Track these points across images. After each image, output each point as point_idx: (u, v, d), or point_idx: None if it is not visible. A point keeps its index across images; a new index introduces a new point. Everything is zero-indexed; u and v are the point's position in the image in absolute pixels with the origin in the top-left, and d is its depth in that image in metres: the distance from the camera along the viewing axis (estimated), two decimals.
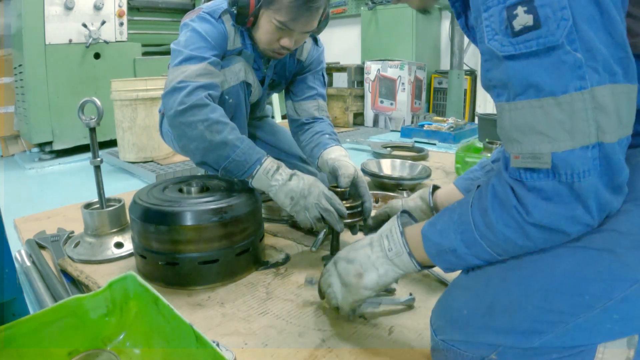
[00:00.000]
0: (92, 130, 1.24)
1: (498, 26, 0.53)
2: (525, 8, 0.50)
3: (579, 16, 0.49)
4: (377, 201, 1.65)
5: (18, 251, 1.29)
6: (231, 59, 1.35)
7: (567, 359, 0.57)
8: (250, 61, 1.42)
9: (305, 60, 1.57)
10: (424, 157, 2.50)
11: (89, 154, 1.28)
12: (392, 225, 0.77)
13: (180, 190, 1.18)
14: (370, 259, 0.77)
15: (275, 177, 1.13)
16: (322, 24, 1.39)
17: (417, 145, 2.76)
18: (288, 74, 1.57)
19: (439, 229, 0.69)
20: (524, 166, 0.55)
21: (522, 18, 0.50)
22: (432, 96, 4.02)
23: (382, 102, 3.70)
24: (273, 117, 3.41)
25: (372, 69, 3.69)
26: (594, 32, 0.50)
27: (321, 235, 1.32)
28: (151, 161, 2.43)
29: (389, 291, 1.04)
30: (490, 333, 0.61)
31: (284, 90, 1.66)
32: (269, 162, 1.15)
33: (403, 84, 3.57)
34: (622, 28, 0.52)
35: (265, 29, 1.29)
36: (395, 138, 3.20)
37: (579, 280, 0.56)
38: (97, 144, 1.27)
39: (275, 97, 3.57)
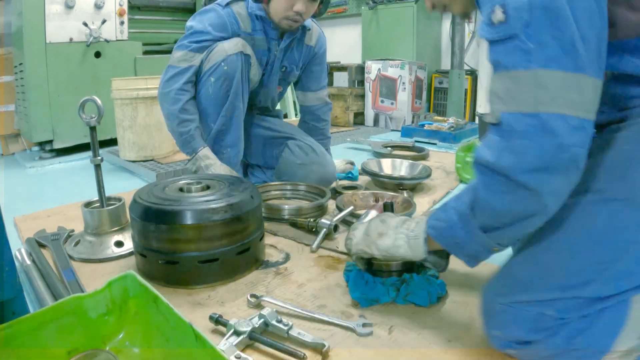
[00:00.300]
0: (93, 129, 1.24)
1: (486, 19, 0.70)
2: (502, 9, 0.66)
3: (535, 18, 0.64)
4: (377, 200, 1.64)
5: (18, 250, 1.29)
6: (232, 38, 1.59)
7: (610, 309, 0.67)
8: (260, 43, 1.65)
9: (315, 46, 1.79)
10: (424, 157, 2.50)
11: (90, 153, 1.29)
12: (424, 219, 0.88)
13: (181, 189, 1.18)
14: (397, 229, 0.89)
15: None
16: (323, 8, 1.64)
17: (417, 144, 2.75)
18: (298, 59, 1.77)
19: (442, 216, 0.83)
20: (490, 121, 0.71)
21: (498, 15, 0.67)
22: (433, 96, 4.01)
23: (382, 101, 3.70)
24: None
25: (373, 68, 3.69)
26: (547, 30, 0.64)
27: (321, 235, 1.32)
28: (151, 160, 2.43)
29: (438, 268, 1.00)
30: (549, 290, 0.70)
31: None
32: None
33: (404, 83, 3.57)
34: (573, 27, 0.63)
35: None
36: (395, 138, 3.20)
37: (612, 230, 0.68)
38: (98, 143, 1.27)
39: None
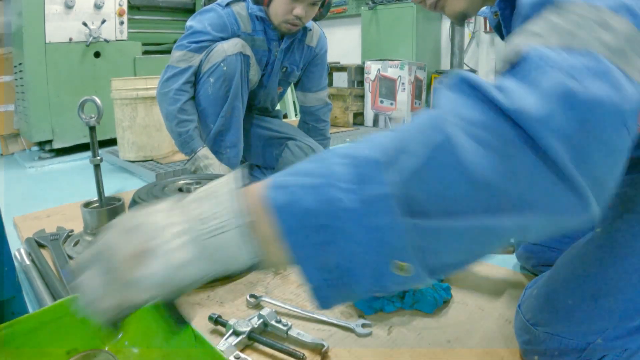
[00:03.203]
0: (92, 129, 1.24)
1: None
2: None
3: None
4: None
5: (17, 250, 1.29)
6: (232, 38, 1.61)
7: None
8: (260, 44, 1.67)
9: (316, 47, 1.81)
10: None
11: (89, 153, 1.29)
12: (226, 180, 0.44)
13: (180, 189, 1.18)
14: (164, 230, 0.42)
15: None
16: (324, 12, 1.67)
17: None
18: (299, 59, 1.78)
19: (302, 169, 0.43)
20: (498, 69, 0.47)
21: None
22: (432, 96, 4.01)
23: (382, 102, 3.70)
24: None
25: (372, 68, 3.69)
26: None
27: None
28: (151, 160, 2.43)
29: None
30: (596, 319, 0.64)
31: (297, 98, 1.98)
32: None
33: (403, 84, 3.57)
34: None
35: (279, 2, 1.54)
36: None
37: None
38: (97, 143, 1.27)
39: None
